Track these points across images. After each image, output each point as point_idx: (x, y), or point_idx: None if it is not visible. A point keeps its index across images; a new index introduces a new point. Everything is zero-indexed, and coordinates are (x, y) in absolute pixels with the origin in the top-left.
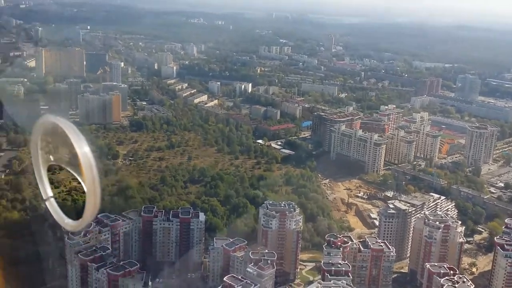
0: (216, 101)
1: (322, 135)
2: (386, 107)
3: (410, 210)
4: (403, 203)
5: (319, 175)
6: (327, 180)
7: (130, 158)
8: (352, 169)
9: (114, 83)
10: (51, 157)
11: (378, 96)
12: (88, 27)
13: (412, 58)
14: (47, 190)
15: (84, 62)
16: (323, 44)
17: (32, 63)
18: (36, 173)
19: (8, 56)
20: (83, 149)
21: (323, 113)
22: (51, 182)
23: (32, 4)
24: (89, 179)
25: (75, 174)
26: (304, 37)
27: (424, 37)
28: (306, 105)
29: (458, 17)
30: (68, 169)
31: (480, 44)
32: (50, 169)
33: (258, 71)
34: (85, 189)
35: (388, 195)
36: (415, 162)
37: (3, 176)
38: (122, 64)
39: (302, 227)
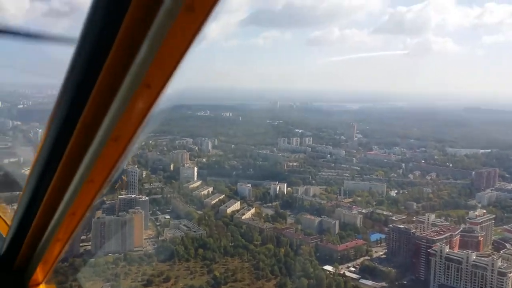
0: (253, 210)
1: (406, 255)
2: (476, 212)
3: None
4: None
5: None
6: None
7: None
8: None
9: (132, 196)
10: None
11: (436, 193)
12: None
13: (441, 145)
14: None
15: None
16: (341, 133)
17: None
18: None
19: (3, 164)
20: None
21: (401, 225)
22: None
23: (30, 104)
24: None
25: None
26: (318, 126)
27: (435, 120)
28: (362, 210)
29: (459, 100)
30: None
31: (499, 126)
32: None
33: (285, 166)
34: None
35: None
36: None
37: None
38: (137, 167)
39: None
